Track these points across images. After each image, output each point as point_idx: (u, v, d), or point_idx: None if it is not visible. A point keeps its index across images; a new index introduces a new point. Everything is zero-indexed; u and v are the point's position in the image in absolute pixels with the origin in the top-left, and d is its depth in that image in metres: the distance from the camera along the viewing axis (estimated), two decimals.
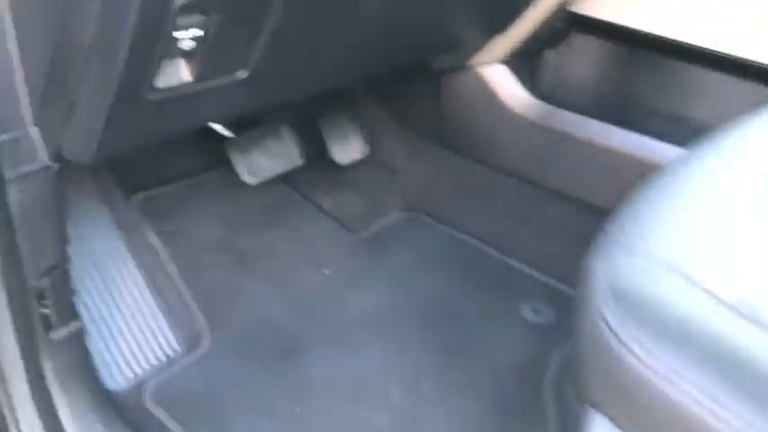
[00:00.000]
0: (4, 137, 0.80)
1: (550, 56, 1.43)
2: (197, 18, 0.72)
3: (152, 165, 1.42)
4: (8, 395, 0.91)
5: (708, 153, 0.80)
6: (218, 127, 1.49)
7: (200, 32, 0.74)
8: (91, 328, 1.13)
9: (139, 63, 0.73)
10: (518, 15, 1.31)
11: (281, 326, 1.26)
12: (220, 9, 0.75)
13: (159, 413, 1.09)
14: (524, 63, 1.42)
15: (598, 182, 1.29)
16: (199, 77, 0.80)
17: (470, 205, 1.52)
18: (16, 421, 0.91)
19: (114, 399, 1.07)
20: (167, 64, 0.77)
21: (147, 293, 1.23)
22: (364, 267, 1.41)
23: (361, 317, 1.29)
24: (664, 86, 1.33)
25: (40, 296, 0.91)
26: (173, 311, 1.23)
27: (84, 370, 1.00)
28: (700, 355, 0.56)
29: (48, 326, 0.93)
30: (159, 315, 1.21)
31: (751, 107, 0.89)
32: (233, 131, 1.50)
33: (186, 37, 0.74)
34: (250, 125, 1.51)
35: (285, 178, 1.54)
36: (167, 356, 1.18)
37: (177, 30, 0.72)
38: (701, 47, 1.23)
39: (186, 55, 0.77)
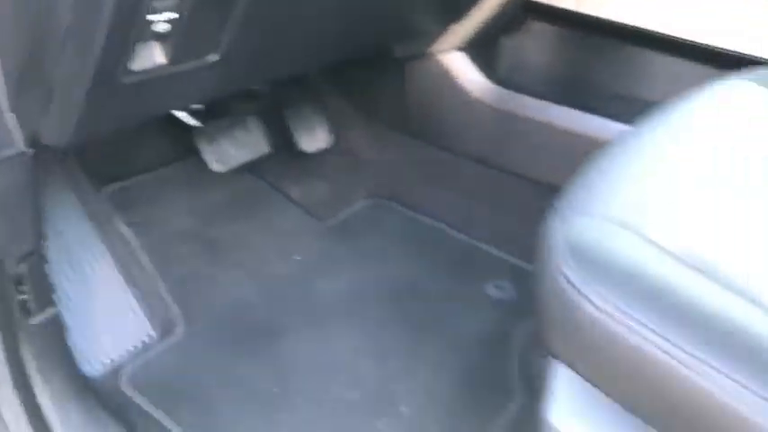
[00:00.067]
0: None
1: (507, 42, 1.46)
2: (172, 1, 0.74)
3: (122, 156, 1.43)
4: None
5: (656, 126, 0.85)
6: (185, 116, 1.50)
7: (174, 15, 0.76)
8: (66, 316, 1.14)
9: (115, 47, 0.75)
10: (474, 3, 1.34)
11: (254, 311, 1.29)
12: None
13: (137, 397, 1.10)
14: (483, 50, 1.45)
15: (555, 162, 1.32)
16: (173, 60, 0.82)
17: (434, 190, 1.56)
18: None
19: (92, 384, 1.08)
20: (141, 47, 0.79)
21: (121, 282, 1.24)
22: (334, 253, 1.44)
23: (333, 300, 1.32)
24: (616, 69, 1.37)
25: (18, 282, 0.91)
26: (146, 299, 1.24)
27: (61, 356, 1.01)
28: (651, 299, 0.62)
29: (26, 312, 0.93)
30: (134, 302, 1.22)
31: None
32: (201, 122, 1.52)
33: (161, 20, 0.76)
34: (218, 116, 1.52)
35: (253, 168, 1.55)
36: (143, 342, 1.19)
37: (153, 13, 0.74)
38: (651, 30, 1.28)
39: (160, 38, 0.79)
